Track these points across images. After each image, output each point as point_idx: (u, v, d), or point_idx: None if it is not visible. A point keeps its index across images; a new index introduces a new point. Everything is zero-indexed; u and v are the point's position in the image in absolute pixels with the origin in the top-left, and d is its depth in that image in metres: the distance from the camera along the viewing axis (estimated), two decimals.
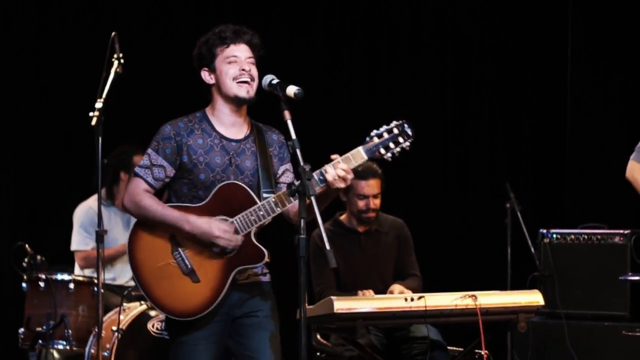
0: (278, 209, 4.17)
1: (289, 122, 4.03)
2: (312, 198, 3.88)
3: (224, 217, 4.19)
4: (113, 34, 5.20)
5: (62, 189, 7.54)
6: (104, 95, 5.11)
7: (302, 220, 3.89)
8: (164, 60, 7.83)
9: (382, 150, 4.19)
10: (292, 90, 4.08)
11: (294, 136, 4.00)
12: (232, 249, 4.17)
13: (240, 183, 4.23)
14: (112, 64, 5.19)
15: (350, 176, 4.14)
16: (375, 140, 4.19)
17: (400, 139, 4.20)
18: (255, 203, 4.19)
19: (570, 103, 7.60)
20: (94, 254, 5.77)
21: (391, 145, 4.20)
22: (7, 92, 7.69)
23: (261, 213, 4.17)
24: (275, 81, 4.16)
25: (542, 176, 7.78)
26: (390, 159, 4.21)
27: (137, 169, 4.30)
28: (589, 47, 7.54)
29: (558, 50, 7.64)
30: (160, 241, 4.22)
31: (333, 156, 4.16)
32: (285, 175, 4.37)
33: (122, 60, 5.18)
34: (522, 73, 7.83)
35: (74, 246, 6.58)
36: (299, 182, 3.95)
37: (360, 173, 5.72)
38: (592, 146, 7.55)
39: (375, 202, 5.93)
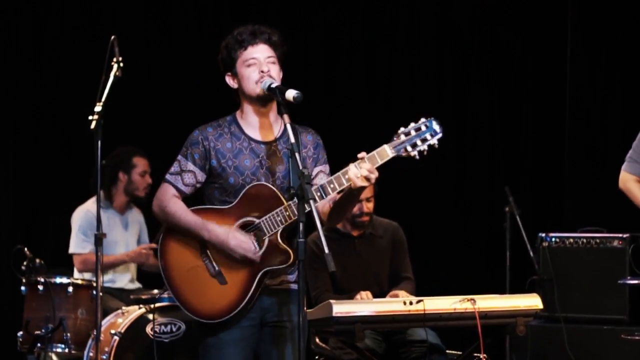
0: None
1: (289, 126, 4.01)
2: (311, 202, 3.86)
3: (250, 219, 4.13)
4: (112, 37, 5.20)
5: (61, 192, 7.52)
6: (103, 99, 5.11)
7: (300, 224, 3.87)
8: (163, 63, 7.83)
9: (409, 148, 4.10)
10: (291, 94, 4.05)
11: (292, 140, 3.98)
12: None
13: (267, 183, 4.15)
14: (111, 67, 5.19)
15: (374, 175, 4.03)
16: (402, 137, 4.11)
17: (428, 136, 4.12)
18: (283, 203, 4.11)
19: (569, 107, 7.59)
20: (92, 257, 5.77)
21: (418, 142, 4.11)
22: (7, 95, 7.69)
23: (287, 213, 4.09)
24: (274, 85, 4.12)
25: (541, 180, 7.77)
26: (417, 157, 4.11)
27: (167, 176, 4.24)
28: (588, 51, 7.53)
29: (557, 55, 7.64)
30: (189, 243, 4.17)
31: (360, 155, 4.07)
32: (319, 177, 4.24)
33: (121, 64, 5.18)
34: (521, 77, 7.82)
35: (72, 249, 6.58)
36: (297, 185, 3.92)
37: None
38: (591, 150, 7.54)
39: (369, 206, 5.93)
